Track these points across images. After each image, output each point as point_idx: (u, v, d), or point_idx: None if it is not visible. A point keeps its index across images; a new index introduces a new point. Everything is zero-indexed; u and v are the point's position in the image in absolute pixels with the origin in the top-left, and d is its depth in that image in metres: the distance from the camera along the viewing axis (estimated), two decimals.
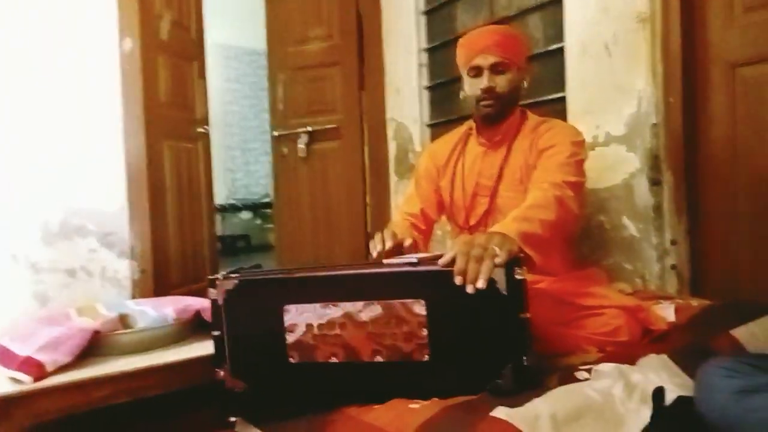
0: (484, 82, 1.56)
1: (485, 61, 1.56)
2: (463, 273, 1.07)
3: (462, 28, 2.60)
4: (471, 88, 1.61)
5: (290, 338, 1.18)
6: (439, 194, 1.74)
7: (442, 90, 2.75)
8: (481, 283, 1.05)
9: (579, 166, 1.50)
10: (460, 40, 1.66)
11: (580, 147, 1.53)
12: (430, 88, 2.81)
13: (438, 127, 2.74)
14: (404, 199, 1.87)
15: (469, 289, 1.06)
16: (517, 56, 1.60)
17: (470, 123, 1.73)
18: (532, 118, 1.65)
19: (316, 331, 1.16)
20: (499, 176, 1.60)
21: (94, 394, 1.30)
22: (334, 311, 1.15)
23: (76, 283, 2.27)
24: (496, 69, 1.56)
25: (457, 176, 1.68)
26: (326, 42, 3.12)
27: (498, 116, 1.60)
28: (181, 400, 1.43)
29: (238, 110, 6.84)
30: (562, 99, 2.09)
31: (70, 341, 1.34)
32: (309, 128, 3.14)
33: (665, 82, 1.79)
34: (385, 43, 2.98)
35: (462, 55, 1.63)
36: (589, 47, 1.98)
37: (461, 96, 1.68)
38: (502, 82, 1.57)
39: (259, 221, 6.74)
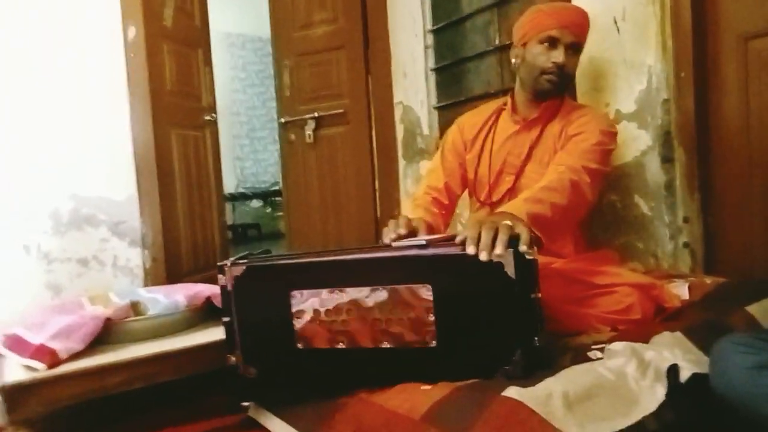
0: (560, 56, 1.52)
1: (565, 36, 1.53)
2: (476, 242, 1.05)
3: (468, 8, 2.57)
4: (538, 57, 1.55)
5: (298, 324, 1.17)
6: (464, 168, 1.72)
7: (449, 72, 2.72)
8: (499, 249, 1.03)
9: (605, 155, 1.48)
10: (539, 6, 1.62)
11: (609, 137, 1.51)
12: (436, 70, 2.78)
13: (445, 110, 2.71)
14: (427, 173, 1.84)
15: (483, 256, 1.03)
16: (584, 43, 1.60)
17: (504, 99, 1.70)
18: (568, 104, 1.63)
19: (323, 317, 1.16)
20: (528, 156, 1.58)
21: (107, 381, 1.30)
22: (341, 297, 1.15)
23: (89, 272, 2.28)
24: (570, 49, 1.54)
25: (485, 151, 1.66)
26: (331, 26, 3.10)
27: (551, 94, 1.58)
28: (193, 386, 1.43)
29: (245, 99, 6.83)
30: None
31: (83, 329, 1.35)
32: (316, 114, 3.13)
33: (676, 57, 1.75)
34: (391, 25, 2.95)
35: (539, 20, 1.57)
36: (597, 22, 1.94)
37: (513, 64, 1.65)
38: (571, 64, 1.56)
39: (269, 209, 6.75)
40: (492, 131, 1.67)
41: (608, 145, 1.50)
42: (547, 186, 1.32)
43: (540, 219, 1.19)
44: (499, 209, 1.21)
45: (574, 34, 1.54)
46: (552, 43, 1.54)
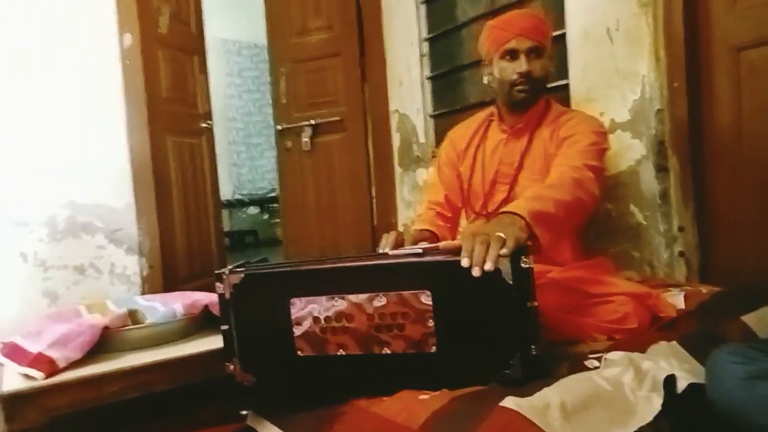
0: (522, 65, 1.53)
1: (522, 44, 1.54)
2: (470, 255, 1.06)
3: (463, 17, 2.59)
4: (504, 71, 1.57)
5: (297, 331, 1.18)
6: (461, 179, 1.73)
7: (445, 80, 2.73)
8: (489, 266, 1.03)
9: (600, 153, 1.50)
10: (491, 23, 1.63)
11: (602, 137, 1.53)
12: (432, 79, 2.79)
13: (441, 118, 2.73)
14: (427, 188, 1.86)
15: (476, 271, 1.04)
16: (548, 42, 1.59)
17: (491, 109, 1.72)
18: (555, 108, 1.64)
19: (323, 323, 1.16)
20: (520, 165, 1.59)
21: (105, 389, 1.30)
22: (341, 303, 1.15)
23: (86, 280, 2.28)
24: (532, 54, 1.54)
25: (477, 162, 1.67)
26: (327, 33, 3.11)
27: (530, 102, 1.59)
28: (191, 395, 1.43)
29: (241, 105, 6.83)
30: (565, 86, 2.08)
31: (80, 337, 1.35)
32: (312, 121, 3.14)
33: (669, 67, 1.77)
34: (386, 33, 2.97)
35: (494, 36, 1.59)
36: (591, 33, 1.96)
37: (485, 81, 1.66)
38: (537, 67, 1.55)
39: (266, 216, 6.74)
40: (482, 142, 1.69)
41: (602, 144, 1.51)
42: (550, 184, 1.33)
43: (543, 216, 1.18)
44: (503, 209, 1.22)
45: (531, 39, 1.54)
46: (513, 54, 1.55)
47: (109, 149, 2.35)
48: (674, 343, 1.16)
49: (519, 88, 1.56)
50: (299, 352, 1.18)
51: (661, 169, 1.80)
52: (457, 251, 1.09)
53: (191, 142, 2.83)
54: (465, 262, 1.06)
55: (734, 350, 0.97)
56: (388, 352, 1.14)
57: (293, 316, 1.18)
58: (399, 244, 1.45)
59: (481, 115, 1.75)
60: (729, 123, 1.70)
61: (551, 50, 1.63)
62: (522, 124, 1.62)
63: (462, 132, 1.76)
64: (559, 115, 1.60)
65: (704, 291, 1.52)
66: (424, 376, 1.12)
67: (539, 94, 1.60)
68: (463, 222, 1.83)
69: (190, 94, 2.87)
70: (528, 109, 1.60)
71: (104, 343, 1.42)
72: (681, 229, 1.78)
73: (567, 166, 1.39)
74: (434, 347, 1.11)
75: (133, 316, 1.56)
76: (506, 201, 1.59)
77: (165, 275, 2.45)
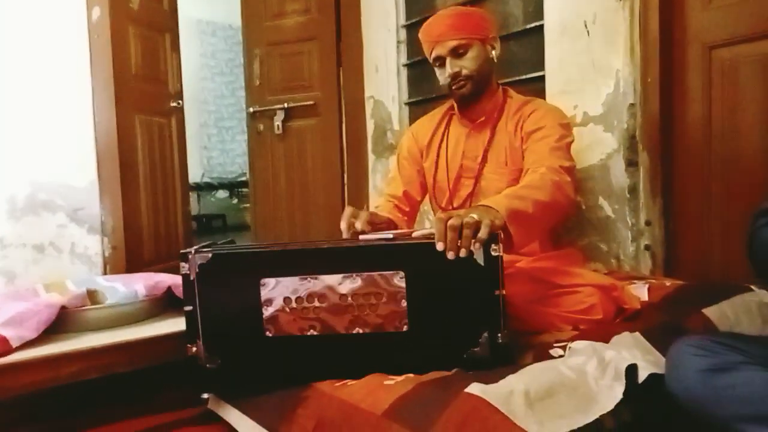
0: (448, 70, 1.54)
1: (443, 49, 1.54)
2: (443, 239, 1.07)
3: (442, 4, 2.57)
4: (440, 77, 1.59)
5: (267, 312, 1.16)
6: (423, 175, 1.72)
7: (421, 68, 2.72)
8: (463, 253, 1.06)
9: (569, 149, 1.50)
10: (419, 33, 1.63)
11: (567, 129, 1.53)
12: (408, 66, 2.77)
13: (416, 106, 2.72)
14: (387, 181, 1.85)
15: (450, 255, 1.07)
16: (476, 31, 1.55)
17: (451, 102, 1.70)
18: (516, 98, 1.63)
19: (294, 304, 1.15)
20: (484, 158, 1.59)
21: (62, 371, 1.27)
22: (314, 284, 1.15)
23: (45, 259, 2.21)
24: (456, 52, 1.54)
25: (440, 157, 1.66)
26: (303, 16, 3.06)
27: (476, 94, 1.58)
28: (151, 378, 1.41)
29: (214, 87, 6.71)
30: (541, 78, 2.08)
31: (36, 317, 1.31)
32: (285, 105, 3.09)
33: (643, 63, 1.78)
34: (364, 19, 2.94)
35: (423, 46, 1.61)
36: (568, 26, 1.97)
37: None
38: (466, 63, 1.54)
39: (235, 200, 6.65)
40: (445, 136, 1.68)
41: (569, 137, 1.52)
42: (529, 185, 1.33)
43: (520, 215, 1.19)
44: (480, 203, 1.22)
45: (450, 39, 1.53)
46: (440, 60, 1.56)
47: (73, 126, 2.28)
48: (637, 334, 1.18)
49: (455, 87, 1.57)
50: (268, 333, 1.17)
51: (631, 164, 1.82)
52: (429, 239, 1.09)
53: (160, 122, 2.77)
54: (440, 246, 1.08)
55: (695, 343, 0.99)
56: (361, 331, 1.14)
57: (263, 297, 1.16)
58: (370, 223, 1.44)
59: (441, 109, 1.74)
60: (699, 120, 1.72)
61: (489, 36, 1.58)
62: (483, 118, 1.61)
63: (424, 126, 1.75)
64: (521, 106, 1.59)
65: (668, 284, 1.54)
66: (394, 356, 1.13)
67: (483, 83, 1.58)
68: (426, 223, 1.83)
69: (160, 73, 2.80)
70: (479, 100, 1.60)
71: (62, 323, 1.39)
72: (648, 223, 1.80)
73: (546, 168, 1.38)
74: (406, 327, 1.12)
75: (92, 296, 1.53)
76: (471, 195, 1.59)
77: (128, 257, 2.40)
